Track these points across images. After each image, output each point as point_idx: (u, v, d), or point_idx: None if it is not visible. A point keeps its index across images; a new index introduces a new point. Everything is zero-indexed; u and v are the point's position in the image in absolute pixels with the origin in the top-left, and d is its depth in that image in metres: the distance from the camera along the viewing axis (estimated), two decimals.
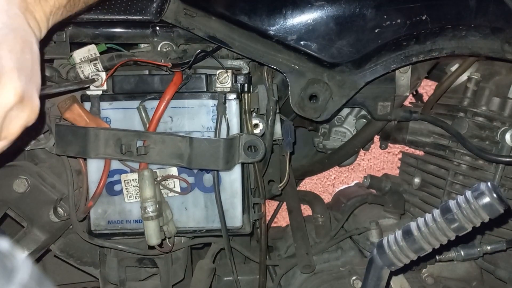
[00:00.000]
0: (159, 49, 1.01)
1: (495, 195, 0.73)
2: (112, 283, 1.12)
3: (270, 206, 1.63)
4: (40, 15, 0.65)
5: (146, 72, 1.03)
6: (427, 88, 1.64)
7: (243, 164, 1.02)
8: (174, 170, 1.00)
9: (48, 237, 1.09)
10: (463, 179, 1.12)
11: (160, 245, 1.01)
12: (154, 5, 0.95)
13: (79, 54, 0.99)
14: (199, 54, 0.99)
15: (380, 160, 2.01)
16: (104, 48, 1.01)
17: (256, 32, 0.97)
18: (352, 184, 1.54)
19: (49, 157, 1.10)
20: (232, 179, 1.01)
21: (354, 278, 1.15)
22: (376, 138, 1.35)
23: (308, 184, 2.00)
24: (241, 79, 1.01)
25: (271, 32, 0.96)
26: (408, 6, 0.95)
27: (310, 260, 1.15)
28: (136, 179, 0.99)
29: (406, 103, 1.31)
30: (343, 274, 1.17)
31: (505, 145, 1.09)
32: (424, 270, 1.17)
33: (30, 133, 1.01)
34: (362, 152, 1.62)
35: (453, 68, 1.19)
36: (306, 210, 1.34)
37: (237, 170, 1.01)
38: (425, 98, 1.41)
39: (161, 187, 1.00)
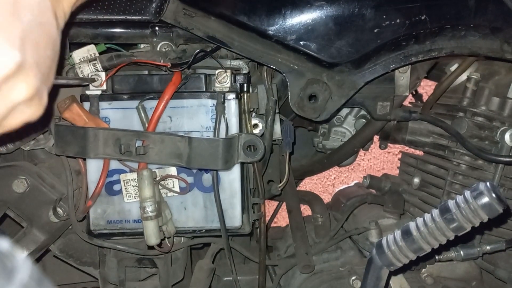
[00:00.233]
0: (158, 49, 1.01)
1: (494, 195, 0.73)
2: (112, 283, 1.12)
3: (270, 206, 1.63)
4: (68, 3, 0.66)
5: (146, 72, 1.03)
6: (427, 88, 1.64)
7: (242, 164, 1.02)
8: (173, 170, 1.00)
9: (48, 237, 1.09)
10: (462, 179, 1.12)
11: (160, 245, 1.01)
12: (153, 5, 0.95)
13: (78, 54, 0.99)
14: (198, 54, 0.98)
15: (380, 160, 2.00)
16: (103, 48, 1.01)
17: (256, 32, 0.97)
18: (352, 184, 1.54)
19: (49, 157, 1.10)
20: (231, 179, 1.01)
21: (353, 278, 1.15)
22: (376, 138, 1.35)
23: (308, 184, 2.00)
24: (240, 79, 1.01)
25: (271, 32, 0.96)
26: (407, 6, 0.95)
27: (309, 260, 1.15)
28: (135, 179, 0.99)
29: (406, 103, 1.31)
30: (342, 274, 1.17)
31: (505, 145, 1.09)
32: (423, 270, 1.17)
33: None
34: (361, 152, 1.63)
35: (453, 68, 1.19)
36: (306, 210, 1.34)
37: (236, 170, 1.01)
38: (425, 98, 1.41)
39: (160, 187, 1.00)
